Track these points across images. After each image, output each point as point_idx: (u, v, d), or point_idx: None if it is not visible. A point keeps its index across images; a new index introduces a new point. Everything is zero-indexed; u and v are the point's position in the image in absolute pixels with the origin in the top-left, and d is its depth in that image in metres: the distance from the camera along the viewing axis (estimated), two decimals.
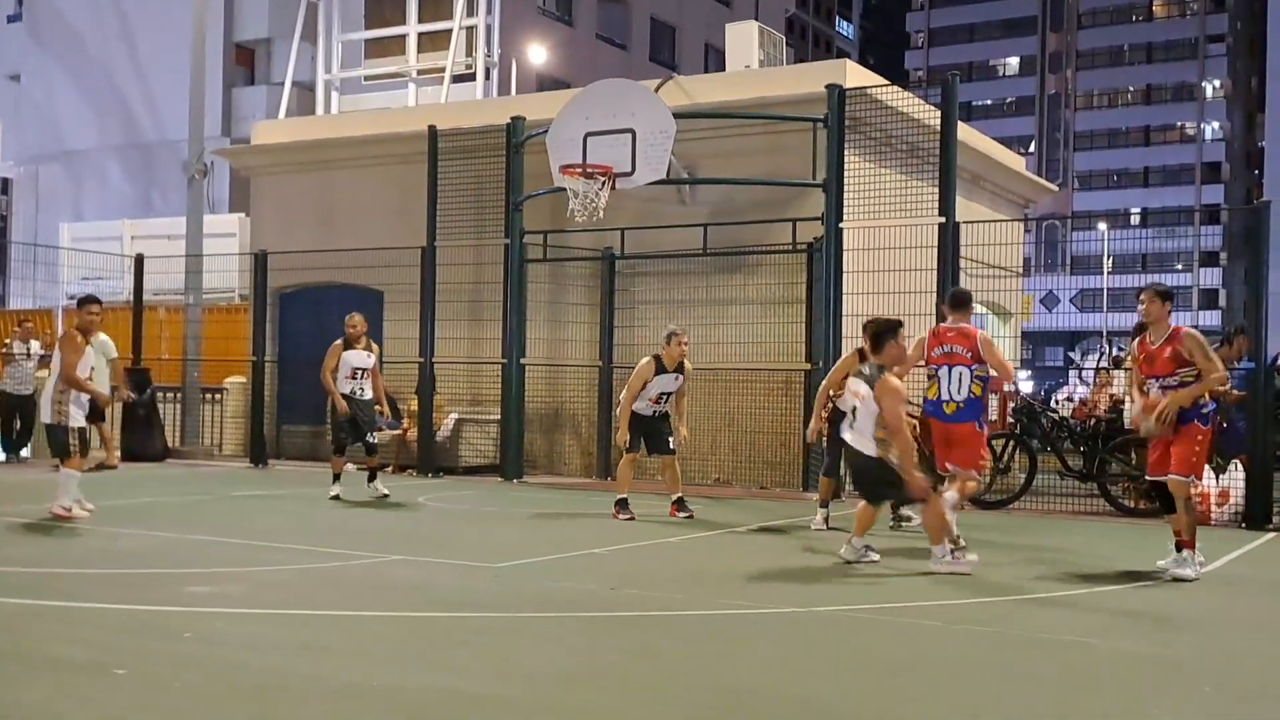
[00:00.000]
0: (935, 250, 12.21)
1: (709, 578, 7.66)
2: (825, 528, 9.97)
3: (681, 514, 10.57)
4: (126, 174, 32.61)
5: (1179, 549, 7.75)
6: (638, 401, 10.51)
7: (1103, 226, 59.12)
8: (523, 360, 14.63)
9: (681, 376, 10.54)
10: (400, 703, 4.45)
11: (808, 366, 13.30)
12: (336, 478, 11.83)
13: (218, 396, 17.95)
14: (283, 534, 9.14)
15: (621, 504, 10.53)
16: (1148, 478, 8.10)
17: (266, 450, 16.41)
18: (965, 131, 14.66)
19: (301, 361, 16.91)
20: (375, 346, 12.14)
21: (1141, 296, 7.93)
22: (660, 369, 10.47)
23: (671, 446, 10.62)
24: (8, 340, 16.47)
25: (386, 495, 11.70)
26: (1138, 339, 8.51)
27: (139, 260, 18.39)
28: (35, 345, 15.95)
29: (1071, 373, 15.20)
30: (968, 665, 5.25)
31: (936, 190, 12.37)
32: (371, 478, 11.95)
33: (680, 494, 10.73)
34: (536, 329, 15.03)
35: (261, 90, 30.90)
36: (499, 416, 14.70)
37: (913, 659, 5.37)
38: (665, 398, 10.59)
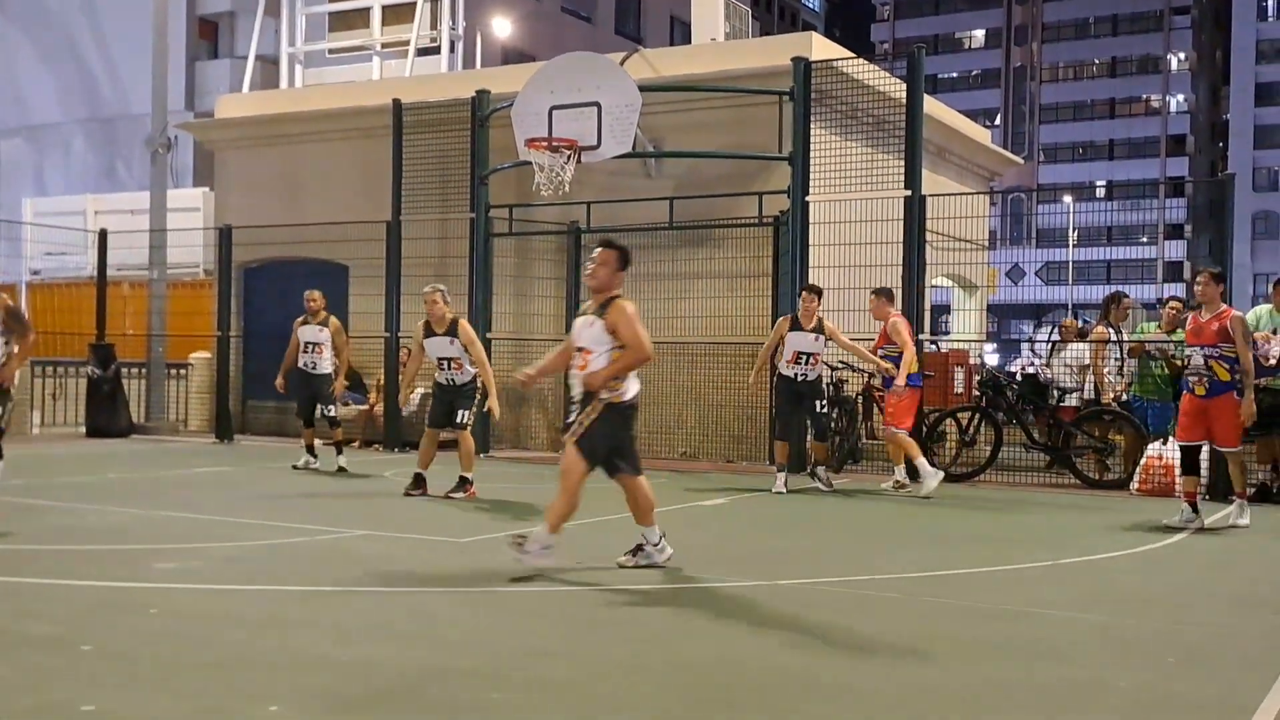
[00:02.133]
0: (901, 223, 12.27)
1: (676, 551, 7.71)
2: (785, 490, 10.60)
3: None
4: (90, 148, 32.22)
5: (1194, 509, 8.96)
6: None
7: (1068, 199, 59.40)
8: (489, 334, 14.62)
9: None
10: (367, 676, 4.48)
11: None
12: (308, 448, 11.97)
13: (183, 372, 17.84)
14: (247, 509, 9.13)
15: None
16: (1179, 443, 9.23)
17: (232, 425, 16.35)
18: (931, 104, 14.71)
19: (267, 336, 16.84)
20: (335, 321, 12.28)
21: (1199, 278, 9.08)
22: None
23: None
24: None
25: (344, 469, 11.78)
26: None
27: (103, 235, 18.21)
28: None
29: (1024, 346, 15.35)
30: (930, 637, 5.33)
31: (902, 163, 12.43)
32: (338, 451, 12.04)
33: None
34: (502, 303, 15.03)
35: (225, 64, 30.58)
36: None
37: (878, 632, 5.45)
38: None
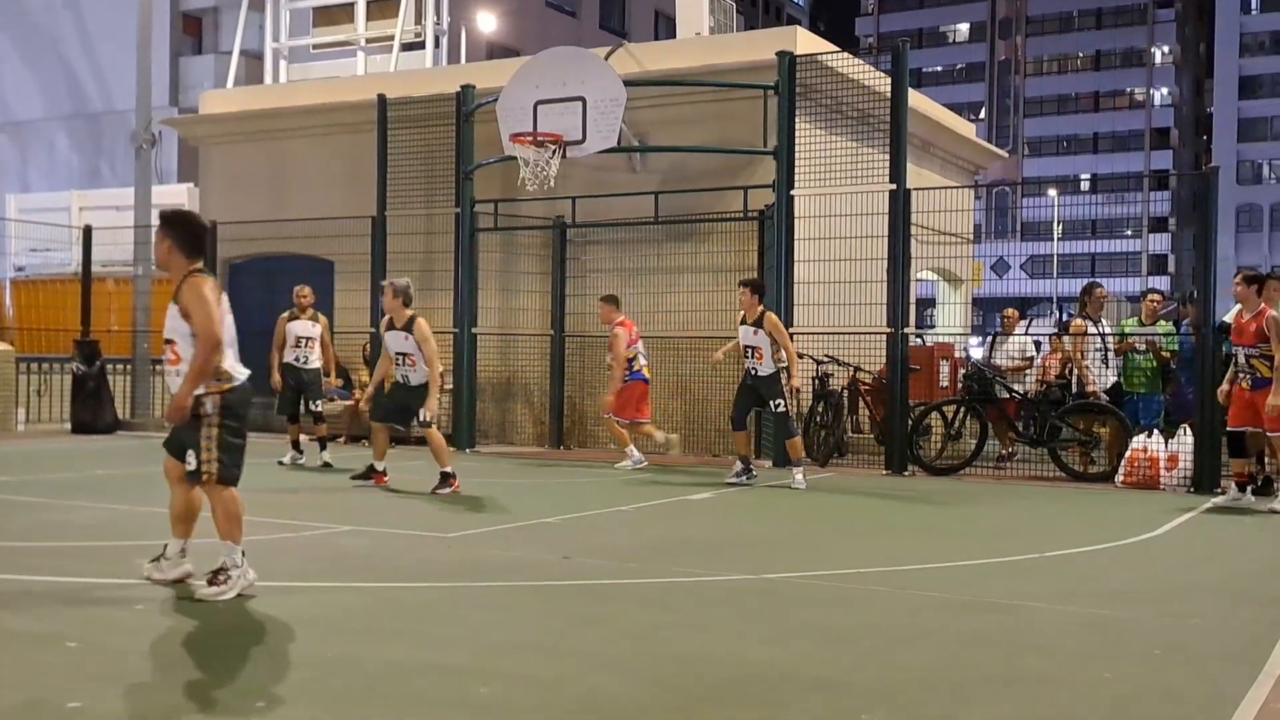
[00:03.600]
0: (886, 217, 12.30)
1: (661, 546, 7.74)
2: (742, 481, 10.96)
3: None
4: (74, 144, 32.06)
5: (1241, 489, 9.84)
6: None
7: (1053, 193, 59.68)
8: (474, 329, 14.62)
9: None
10: (352, 670, 4.49)
11: None
12: (294, 444, 11.93)
13: None
14: None
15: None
16: (1229, 429, 9.87)
17: None
18: (916, 98, 14.75)
19: (252, 332, 16.73)
20: (323, 318, 12.26)
21: (1235, 280, 9.76)
22: None
23: None
24: None
25: (329, 465, 11.76)
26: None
27: (87, 231, 18.13)
28: None
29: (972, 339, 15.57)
30: (916, 630, 5.36)
31: (888, 157, 12.45)
32: (322, 447, 12.03)
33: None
34: (488, 298, 15.02)
35: (209, 59, 30.46)
36: (450, 386, 14.68)
37: (862, 625, 5.48)
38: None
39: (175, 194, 21.51)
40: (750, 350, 10.81)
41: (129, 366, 17.69)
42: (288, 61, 20.70)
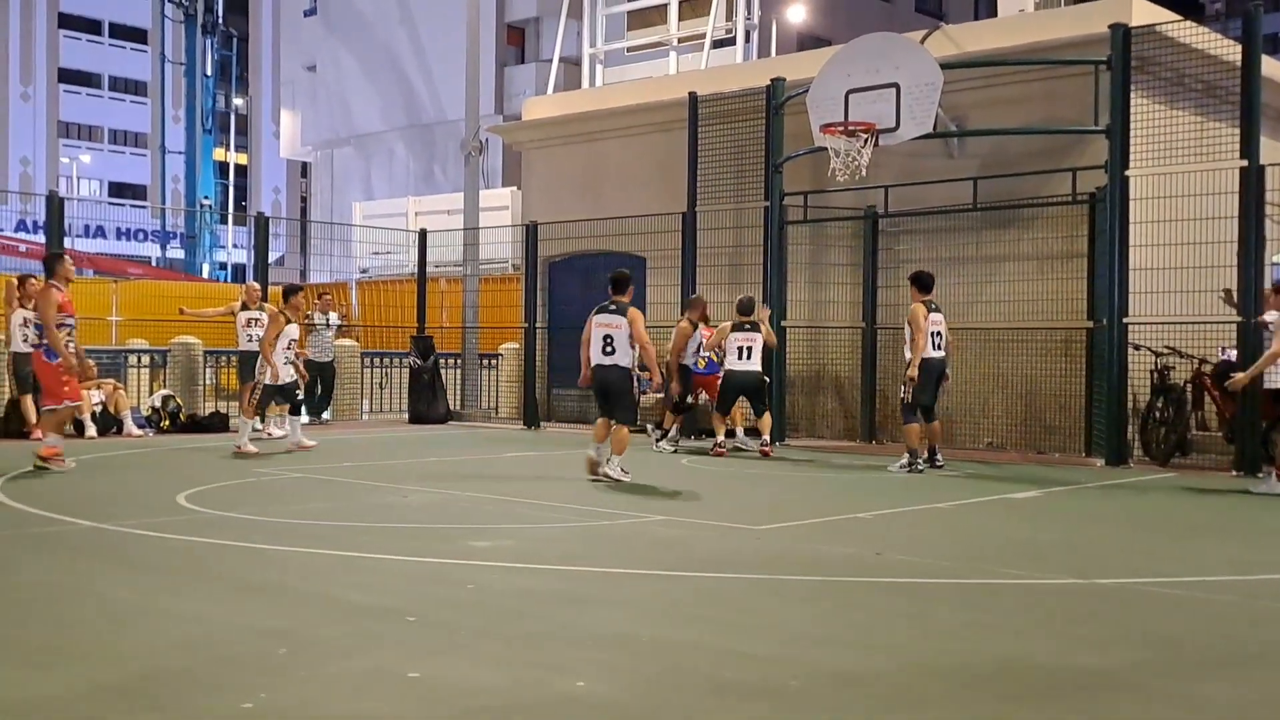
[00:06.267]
0: (1236, 196, 11.26)
1: (979, 545, 7.38)
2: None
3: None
4: (410, 153, 34.53)
5: None
6: None
7: None
8: (783, 323, 14.53)
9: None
10: (663, 655, 4.51)
11: (1090, 324, 12.61)
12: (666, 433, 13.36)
13: (494, 362, 18.78)
14: (553, 493, 9.45)
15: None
16: None
17: (538, 413, 17.05)
18: (1270, 66, 13.40)
19: (570, 328, 17.42)
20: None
21: None
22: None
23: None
24: (309, 312, 17.77)
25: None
26: None
27: (422, 235, 19.41)
28: (334, 316, 17.13)
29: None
30: (1261, 646, 4.84)
31: (1238, 131, 11.39)
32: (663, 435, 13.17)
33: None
34: (797, 291, 14.90)
35: (531, 68, 31.99)
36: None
37: (1203, 635, 4.99)
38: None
39: (500, 197, 22.72)
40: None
41: (459, 361, 18.81)
42: (603, 65, 21.38)
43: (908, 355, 11.24)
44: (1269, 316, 9.94)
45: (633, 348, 10.01)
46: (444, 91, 32.04)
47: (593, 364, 10.10)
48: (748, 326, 12.68)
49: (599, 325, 10.10)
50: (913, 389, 11.07)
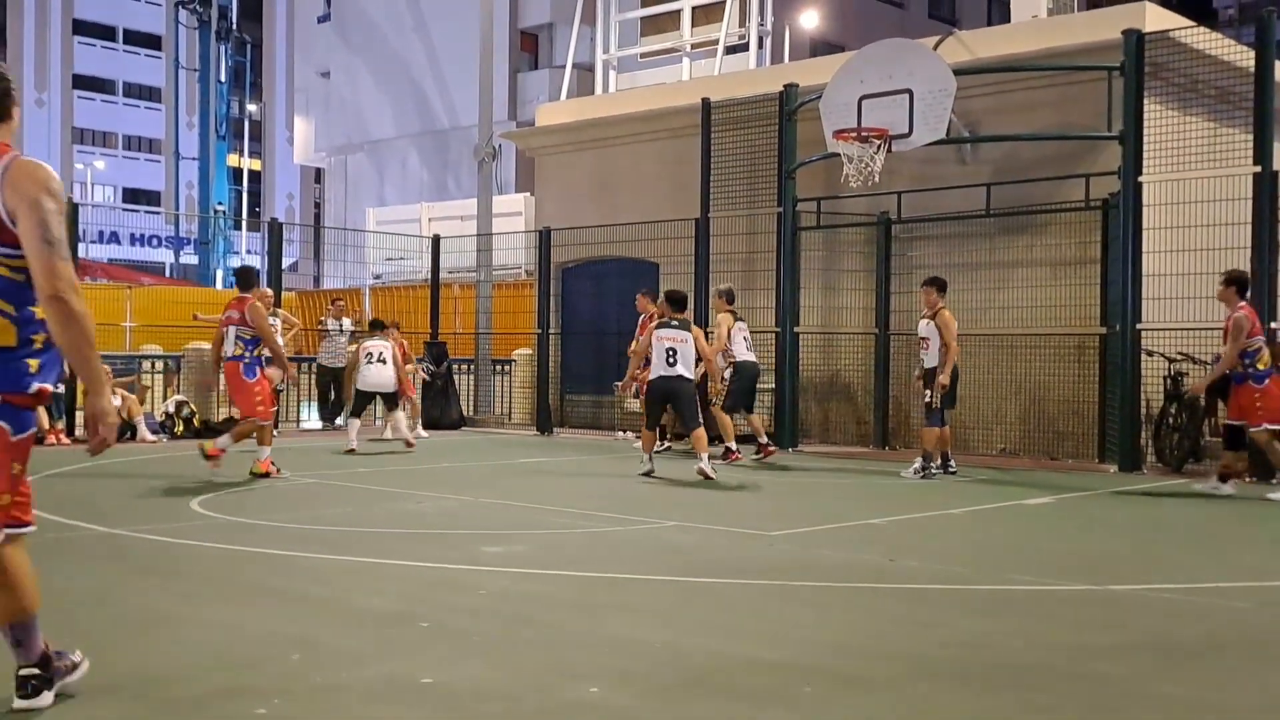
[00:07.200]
0: (1250, 202, 11.22)
1: (993, 551, 7.38)
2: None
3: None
4: (423, 160, 34.59)
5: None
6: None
7: None
8: (796, 329, 14.53)
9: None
10: (677, 662, 4.51)
11: (1103, 330, 12.58)
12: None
13: (507, 368, 18.81)
14: (567, 499, 9.47)
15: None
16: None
17: (551, 419, 17.06)
18: None
19: (583, 334, 17.48)
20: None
21: None
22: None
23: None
24: (323, 318, 17.83)
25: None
26: None
27: (435, 241, 19.46)
28: (347, 322, 17.19)
29: None
30: (1264, 650, 4.83)
31: (1250, 137, 11.36)
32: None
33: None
34: (810, 296, 14.91)
35: (544, 74, 32.02)
36: (773, 385, 14.67)
37: (1219, 642, 4.98)
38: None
39: (513, 203, 22.74)
40: (922, 341, 11.30)
41: (472, 366, 18.84)
42: (616, 71, 21.40)
43: (926, 362, 11.15)
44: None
45: (696, 362, 10.90)
46: (457, 98, 32.12)
47: (656, 374, 10.89)
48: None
49: (663, 339, 10.87)
50: (940, 394, 11.03)
